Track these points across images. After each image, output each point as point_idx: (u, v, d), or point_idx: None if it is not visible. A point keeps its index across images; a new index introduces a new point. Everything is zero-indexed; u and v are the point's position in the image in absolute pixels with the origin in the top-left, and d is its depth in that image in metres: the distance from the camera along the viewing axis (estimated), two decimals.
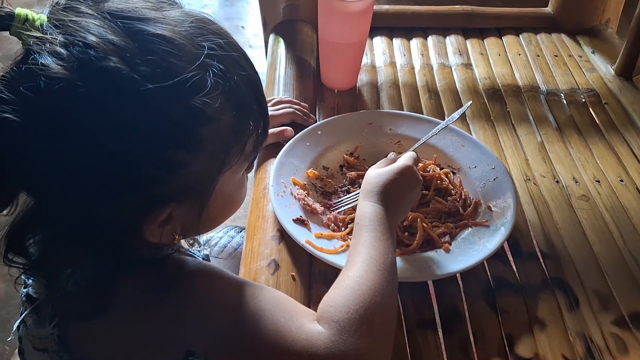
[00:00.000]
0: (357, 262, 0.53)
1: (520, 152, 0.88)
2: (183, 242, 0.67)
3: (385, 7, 1.19)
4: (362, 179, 0.77)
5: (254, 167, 0.81)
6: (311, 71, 1.03)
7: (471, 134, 0.91)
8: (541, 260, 0.71)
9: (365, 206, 0.59)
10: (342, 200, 0.74)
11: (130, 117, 0.40)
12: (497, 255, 0.70)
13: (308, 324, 0.48)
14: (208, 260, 0.66)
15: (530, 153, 0.88)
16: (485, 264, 0.69)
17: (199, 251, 0.66)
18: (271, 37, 1.12)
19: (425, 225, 0.69)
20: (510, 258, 0.71)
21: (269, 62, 1.05)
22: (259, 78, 0.51)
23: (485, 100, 0.99)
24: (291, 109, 0.86)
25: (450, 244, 0.68)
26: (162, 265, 0.49)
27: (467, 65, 1.08)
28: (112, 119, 0.40)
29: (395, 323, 0.54)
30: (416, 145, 0.75)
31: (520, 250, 0.72)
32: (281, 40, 1.09)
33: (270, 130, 0.83)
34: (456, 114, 0.75)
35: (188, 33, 0.44)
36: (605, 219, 0.77)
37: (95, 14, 0.42)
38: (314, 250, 0.64)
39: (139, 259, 0.48)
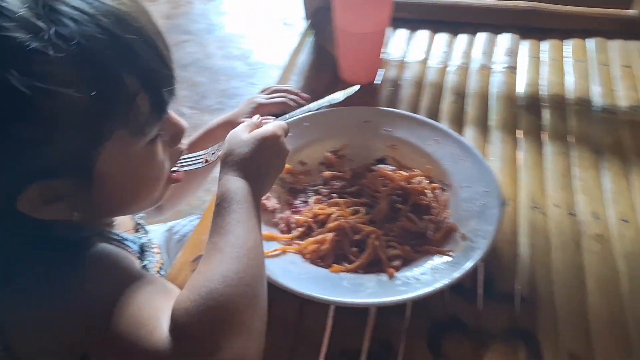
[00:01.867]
0: (210, 254, 0.47)
1: (539, 174, 0.75)
2: (129, 226, 0.65)
3: None
4: (338, 180, 0.71)
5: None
6: (332, 63, 0.96)
7: (486, 146, 0.79)
8: (516, 305, 0.59)
9: (228, 181, 0.51)
10: (188, 158, 0.62)
11: None
12: (463, 290, 0.60)
13: (165, 326, 0.43)
14: (142, 250, 0.63)
15: (551, 176, 0.74)
16: (445, 297, 0.59)
17: (139, 238, 0.63)
18: (305, 24, 1.07)
19: (376, 243, 0.60)
20: (481, 295, 0.60)
21: (294, 49, 1.00)
22: (148, 43, 0.45)
23: (520, 109, 0.86)
24: (283, 99, 0.81)
25: (397, 270, 0.59)
26: (74, 247, 0.48)
27: (512, 69, 0.94)
28: None
29: (264, 316, 0.46)
30: (287, 116, 0.66)
31: (494, 289, 0.61)
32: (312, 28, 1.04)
33: (252, 119, 0.78)
34: (341, 94, 0.68)
35: None
36: (618, 268, 0.62)
37: None
38: None
39: (47, 238, 0.47)
